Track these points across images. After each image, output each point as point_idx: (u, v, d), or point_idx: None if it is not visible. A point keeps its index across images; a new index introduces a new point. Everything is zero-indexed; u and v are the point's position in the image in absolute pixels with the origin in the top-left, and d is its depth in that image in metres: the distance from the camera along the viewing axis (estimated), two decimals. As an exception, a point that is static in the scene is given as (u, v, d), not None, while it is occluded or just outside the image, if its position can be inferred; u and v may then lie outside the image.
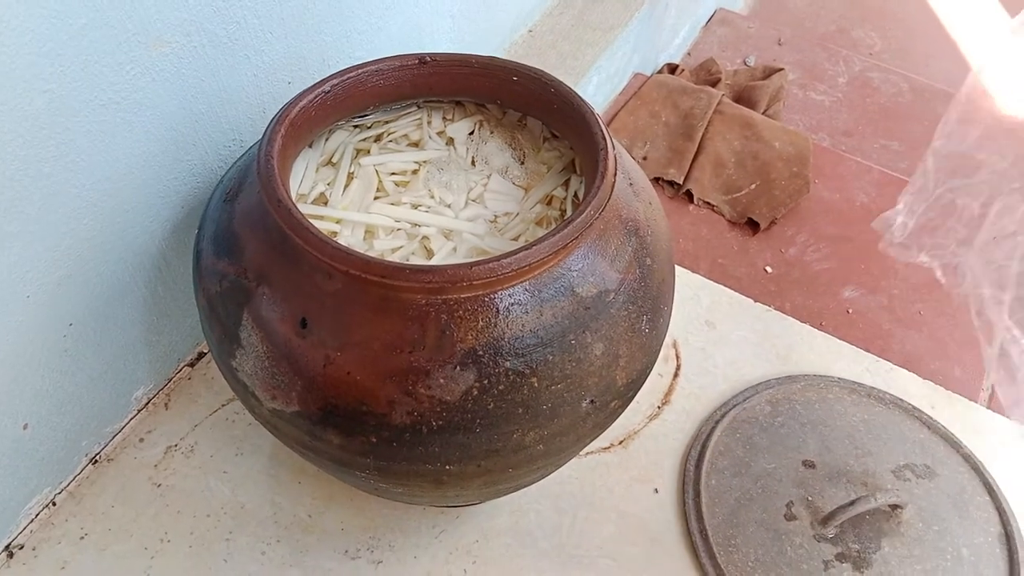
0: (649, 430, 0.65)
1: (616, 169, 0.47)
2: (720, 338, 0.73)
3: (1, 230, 0.44)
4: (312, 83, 0.50)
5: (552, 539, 0.59)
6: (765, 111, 1.19)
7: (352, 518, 0.59)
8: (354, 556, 0.57)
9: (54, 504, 0.57)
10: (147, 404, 0.63)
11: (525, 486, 0.52)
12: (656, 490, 0.62)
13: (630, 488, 0.62)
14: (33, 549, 0.56)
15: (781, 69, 1.30)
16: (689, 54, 1.39)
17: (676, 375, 0.69)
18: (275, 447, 0.62)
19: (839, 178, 1.07)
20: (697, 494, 0.61)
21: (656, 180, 1.01)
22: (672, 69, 1.22)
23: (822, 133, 1.28)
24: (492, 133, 0.58)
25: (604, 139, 0.47)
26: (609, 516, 0.60)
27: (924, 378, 0.74)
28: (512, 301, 0.42)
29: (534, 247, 0.42)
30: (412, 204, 0.52)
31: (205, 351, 0.66)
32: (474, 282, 0.41)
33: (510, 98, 0.55)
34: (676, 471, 0.63)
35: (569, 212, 0.53)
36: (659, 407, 0.67)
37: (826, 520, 0.60)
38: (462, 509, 0.60)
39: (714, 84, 1.20)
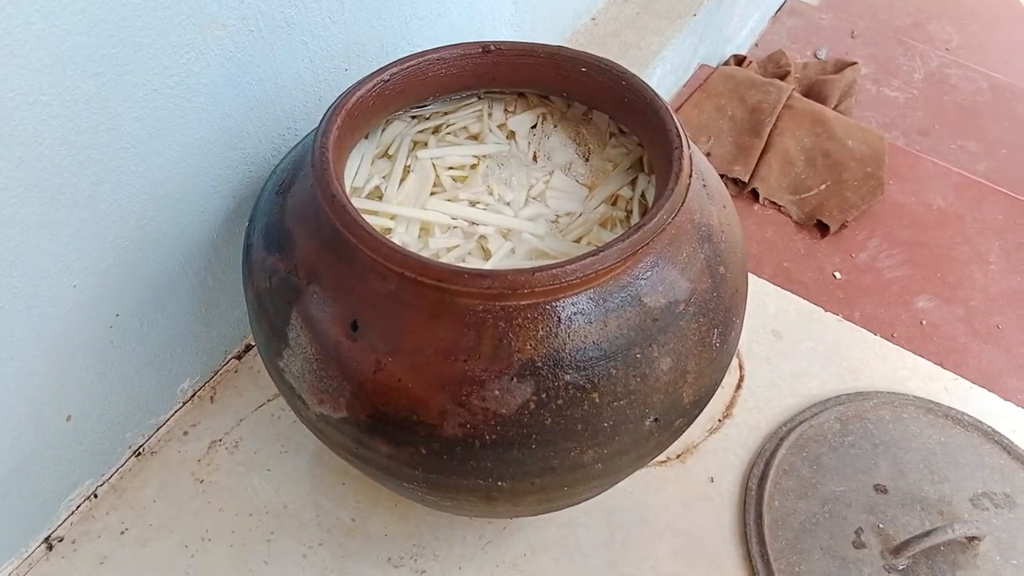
0: (709, 444, 0.62)
1: (691, 170, 0.44)
2: (787, 349, 0.69)
3: (48, 217, 0.42)
4: (371, 71, 0.47)
5: (603, 556, 0.56)
6: (836, 107, 1.14)
7: (396, 524, 0.57)
8: (397, 564, 0.55)
9: (95, 496, 0.57)
10: (192, 396, 0.61)
11: (577, 503, 0.50)
12: (715, 509, 0.59)
13: (687, 506, 0.59)
14: (73, 542, 0.55)
15: (854, 63, 1.24)
16: (757, 45, 1.34)
17: (739, 387, 0.66)
18: (319, 446, 0.60)
19: (915, 180, 1.01)
20: (759, 515, 0.57)
21: (720, 178, 0.97)
22: (739, 61, 1.17)
23: (896, 131, 1.22)
24: (556, 127, 0.55)
25: (679, 137, 0.44)
26: (664, 534, 0.57)
27: (1004, 398, 0.69)
28: (575, 310, 0.39)
29: (601, 253, 0.39)
30: (470, 201, 0.50)
31: (252, 344, 0.65)
32: (535, 289, 0.38)
33: (577, 90, 0.52)
34: (737, 490, 0.60)
35: (636, 214, 0.50)
36: (720, 420, 0.64)
37: (898, 550, 0.56)
38: (510, 520, 0.57)
39: (783, 77, 1.15)
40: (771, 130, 1.00)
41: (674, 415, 0.43)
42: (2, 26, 0.36)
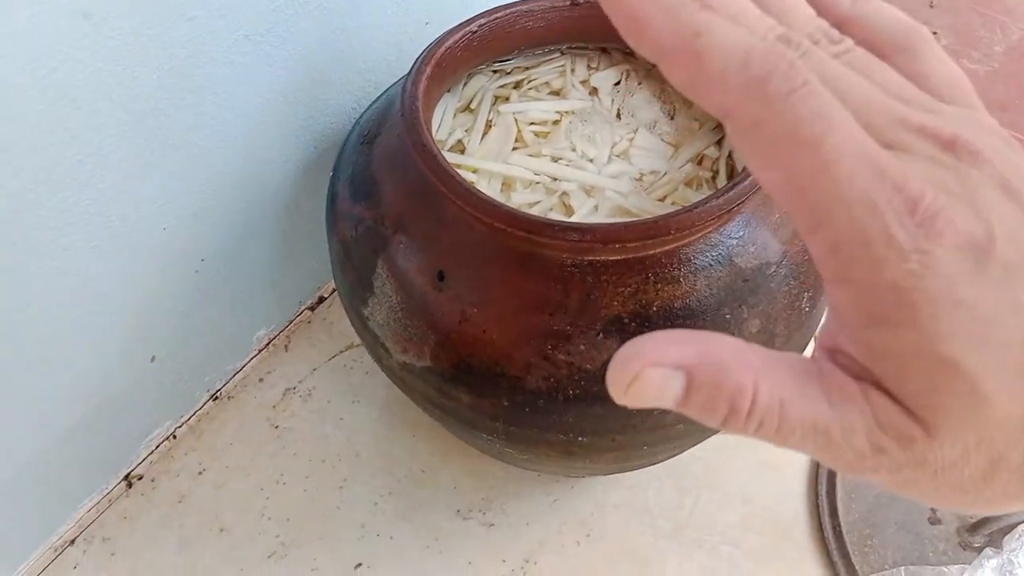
0: (781, 413, 0.61)
1: (787, 129, 0.42)
2: (863, 320, 0.67)
3: (143, 159, 0.43)
4: (451, 25, 0.47)
5: (671, 519, 0.56)
6: (915, 77, 1.10)
7: (465, 477, 0.57)
8: (466, 516, 0.56)
9: (174, 437, 0.58)
10: (268, 344, 0.62)
11: (655, 463, 0.50)
12: (786, 478, 0.58)
13: (758, 474, 0.58)
14: (152, 480, 0.56)
15: (934, 33, 1.20)
16: (833, 12, 1.29)
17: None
18: (390, 398, 0.60)
19: (997, 154, 0.98)
20: (832, 487, 0.56)
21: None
22: (816, 27, 1.14)
23: (976, 104, 1.18)
24: (640, 84, 0.54)
25: (775, 95, 0.43)
26: (733, 502, 0.57)
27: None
28: (664, 268, 0.39)
29: (694, 210, 0.38)
30: (552, 157, 0.49)
31: (325, 295, 0.66)
32: (625, 244, 0.38)
33: (665, 46, 0.50)
34: (809, 460, 0.59)
35: (723, 174, 0.49)
36: (793, 390, 0.63)
37: (975, 527, 0.54)
38: (578, 479, 0.57)
39: (861, 45, 1.11)
40: (848, 98, 0.97)
41: (759, 378, 0.42)
42: (106, -34, 0.36)
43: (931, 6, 1.45)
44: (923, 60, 0.21)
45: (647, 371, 0.19)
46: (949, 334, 0.17)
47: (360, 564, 0.53)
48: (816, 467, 0.58)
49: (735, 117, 0.19)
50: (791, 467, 0.58)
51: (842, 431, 0.19)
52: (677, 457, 0.56)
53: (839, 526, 0.55)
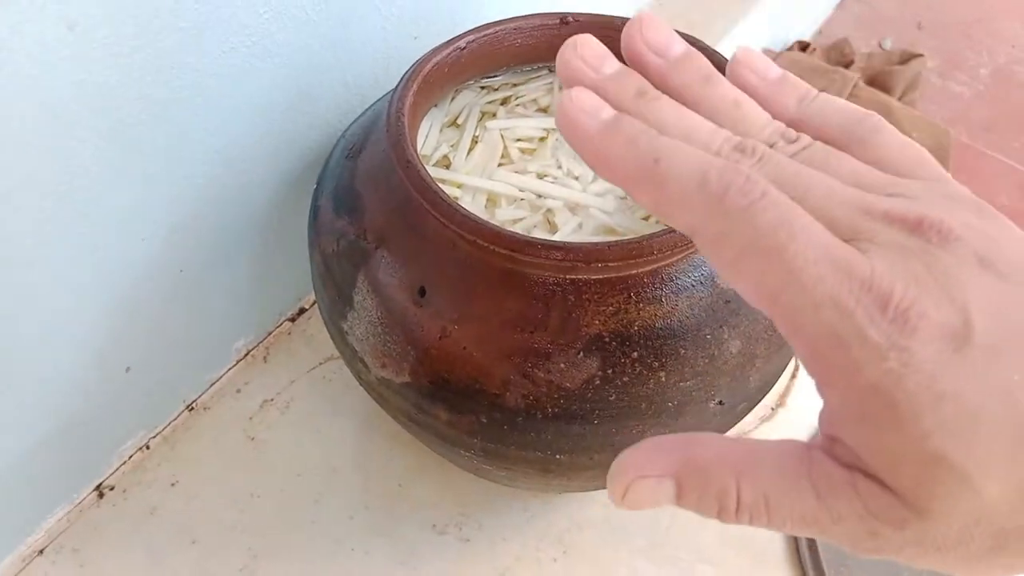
0: (760, 433, 0.61)
1: (770, 152, 0.43)
2: (843, 341, 0.68)
3: (123, 169, 0.43)
4: (440, 40, 0.47)
5: (648, 537, 0.56)
6: (900, 98, 1.11)
7: (442, 491, 0.57)
8: (442, 531, 0.55)
9: (148, 448, 0.57)
10: (246, 355, 0.62)
11: (633, 483, 0.49)
12: (763, 498, 0.58)
13: (736, 493, 0.58)
14: (124, 491, 0.56)
15: (920, 55, 1.21)
16: (820, 33, 1.31)
17: (794, 376, 0.65)
18: (369, 411, 0.60)
19: (979, 177, 0.99)
20: (809, 508, 0.57)
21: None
22: (803, 47, 1.15)
23: (959, 127, 1.19)
24: (626, 103, 0.54)
25: (759, 117, 0.43)
26: (710, 520, 0.56)
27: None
28: (646, 287, 0.39)
29: (676, 230, 0.38)
30: (538, 174, 0.49)
31: (306, 307, 0.65)
32: (608, 264, 0.38)
33: (652, 65, 0.51)
34: (787, 480, 0.59)
35: (705, 195, 0.49)
36: (773, 409, 0.63)
37: (951, 551, 0.55)
38: (555, 495, 0.57)
39: (846, 66, 1.12)
40: (833, 119, 0.98)
41: (739, 399, 0.42)
42: (91, -26, 0.36)
43: (919, 27, 1.47)
44: (879, 145, 0.21)
45: (637, 482, 0.21)
46: (934, 431, 0.17)
47: (335, 579, 0.53)
48: (794, 488, 0.58)
49: (700, 234, 0.19)
50: (769, 487, 0.58)
51: (831, 520, 0.19)
52: (656, 476, 0.56)
53: (815, 545, 0.55)
